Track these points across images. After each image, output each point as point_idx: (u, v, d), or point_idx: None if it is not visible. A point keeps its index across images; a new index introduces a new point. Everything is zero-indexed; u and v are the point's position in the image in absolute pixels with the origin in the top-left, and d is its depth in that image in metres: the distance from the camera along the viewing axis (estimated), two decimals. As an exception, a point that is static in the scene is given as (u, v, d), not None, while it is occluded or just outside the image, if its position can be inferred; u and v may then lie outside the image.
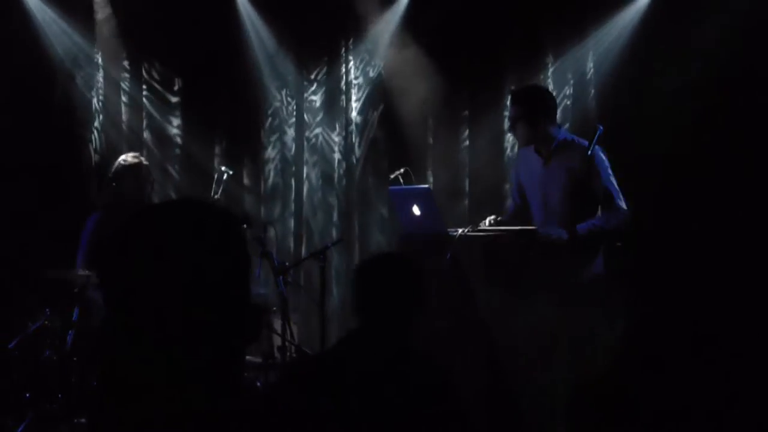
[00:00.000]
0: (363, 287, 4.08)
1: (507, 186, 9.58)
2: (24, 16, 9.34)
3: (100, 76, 9.72)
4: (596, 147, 6.66)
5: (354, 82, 10.18)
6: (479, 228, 6.87)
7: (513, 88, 8.72)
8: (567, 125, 9.30)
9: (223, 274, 1.89)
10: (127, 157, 7.78)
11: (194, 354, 1.85)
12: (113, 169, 7.70)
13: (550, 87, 9.33)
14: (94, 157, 9.60)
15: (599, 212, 6.76)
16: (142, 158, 7.94)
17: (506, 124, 9.66)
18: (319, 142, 10.20)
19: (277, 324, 7.77)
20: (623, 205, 6.73)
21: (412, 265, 4.16)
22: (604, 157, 6.81)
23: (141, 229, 1.91)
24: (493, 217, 7.05)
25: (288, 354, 7.71)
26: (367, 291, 4.06)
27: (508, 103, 7.22)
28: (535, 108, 6.88)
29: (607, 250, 6.89)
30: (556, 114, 7.04)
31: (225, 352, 1.90)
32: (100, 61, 9.70)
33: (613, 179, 6.78)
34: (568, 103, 9.54)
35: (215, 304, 1.87)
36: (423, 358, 3.97)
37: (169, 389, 1.86)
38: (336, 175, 10.17)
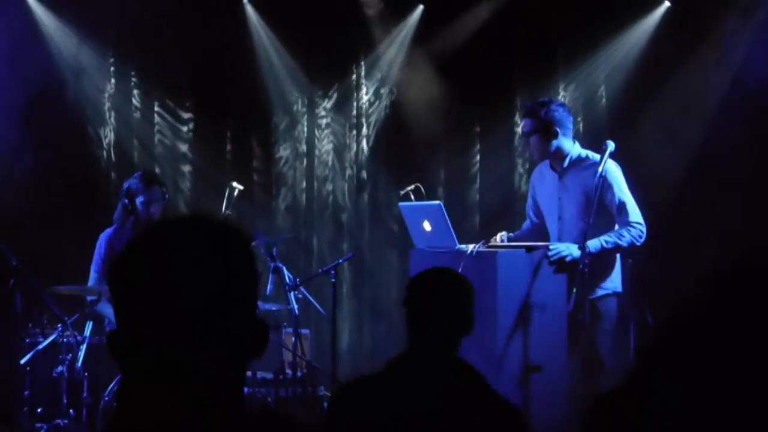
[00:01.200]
0: (416, 303, 4.03)
1: (518, 202, 9.58)
2: (35, 30, 9.38)
3: (111, 92, 9.73)
4: (609, 162, 6.65)
5: (365, 98, 10.21)
6: (491, 244, 6.86)
7: (528, 102, 8.70)
8: (578, 141, 9.32)
9: (233, 289, 1.90)
10: (139, 174, 7.80)
11: (201, 369, 1.86)
12: (127, 186, 7.72)
13: (561, 102, 9.33)
14: (106, 173, 9.61)
15: (617, 227, 6.73)
16: (156, 175, 7.95)
17: (518, 139, 9.69)
18: (330, 158, 10.22)
19: (289, 340, 7.77)
20: (638, 219, 6.69)
21: (466, 283, 4.13)
22: (618, 172, 6.77)
23: (152, 244, 1.92)
24: (504, 233, 7.04)
25: (299, 369, 7.71)
26: (420, 308, 4.01)
27: (522, 116, 7.20)
28: (548, 122, 6.85)
29: (624, 267, 6.88)
30: (570, 129, 7.00)
31: (231, 367, 1.91)
32: (111, 77, 9.72)
33: (627, 193, 6.73)
34: (579, 118, 9.55)
35: (224, 320, 1.88)
36: (470, 376, 3.91)
37: (175, 404, 1.87)
38: (347, 191, 10.18)
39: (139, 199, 7.60)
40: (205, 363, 1.87)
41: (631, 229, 6.65)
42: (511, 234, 7.07)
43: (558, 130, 6.85)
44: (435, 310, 3.98)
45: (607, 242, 6.62)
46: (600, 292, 6.72)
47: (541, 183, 7.13)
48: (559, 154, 6.90)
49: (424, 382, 3.81)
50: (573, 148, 6.93)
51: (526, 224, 7.32)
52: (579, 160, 6.90)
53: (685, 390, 2.19)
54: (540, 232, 7.14)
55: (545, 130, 6.85)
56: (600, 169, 6.53)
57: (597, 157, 6.76)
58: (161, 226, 1.96)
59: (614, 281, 6.82)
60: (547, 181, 7.06)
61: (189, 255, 1.88)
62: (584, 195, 6.77)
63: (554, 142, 6.86)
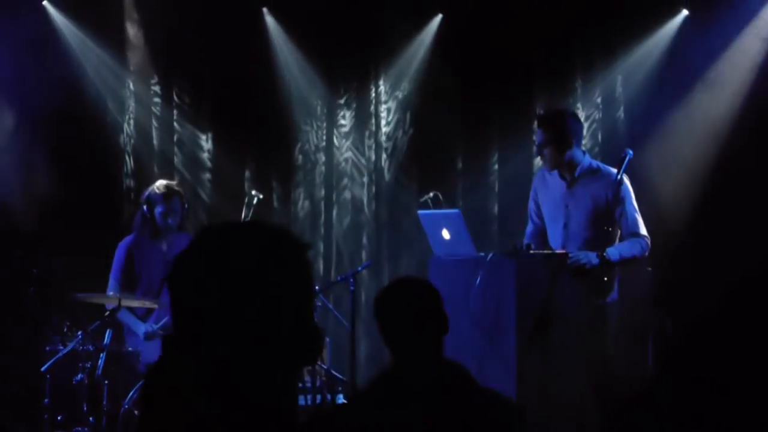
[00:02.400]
0: (386, 318, 4.03)
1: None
2: (55, 39, 9.43)
3: (131, 101, 9.77)
4: (623, 174, 6.68)
5: (384, 106, 10.22)
6: (509, 252, 6.86)
7: (540, 112, 8.72)
8: (596, 149, 9.32)
9: (291, 295, 1.91)
10: (161, 183, 7.83)
11: (249, 371, 1.88)
12: (147, 194, 7.74)
13: (579, 111, 9.31)
14: (126, 181, 9.65)
15: (624, 239, 6.78)
16: (176, 184, 7.98)
17: (535, 148, 9.70)
18: (348, 166, 10.23)
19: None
20: (645, 233, 6.79)
21: (431, 287, 4.13)
22: (629, 185, 6.84)
23: (212, 245, 1.94)
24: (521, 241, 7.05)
25: (318, 378, 7.72)
26: (392, 321, 4.02)
27: (536, 127, 7.21)
28: (563, 132, 6.87)
29: (643, 275, 6.94)
30: (581, 137, 7.04)
31: (285, 373, 1.92)
32: (131, 85, 9.76)
33: (636, 206, 6.82)
34: (597, 127, 9.54)
35: (281, 325, 1.89)
36: (463, 385, 3.92)
37: (225, 409, 1.88)
38: (365, 199, 10.19)
39: (158, 209, 7.62)
40: (254, 366, 1.88)
41: (641, 240, 6.74)
42: (528, 242, 7.09)
43: (571, 139, 6.88)
44: (407, 316, 3.99)
45: (625, 252, 6.67)
46: (608, 299, 6.76)
47: (544, 188, 7.17)
48: (571, 163, 6.94)
49: (417, 390, 3.81)
50: (584, 158, 6.97)
51: (529, 228, 7.34)
52: (590, 171, 6.94)
53: (705, 396, 2.19)
54: (543, 234, 7.19)
55: (560, 140, 6.87)
56: (619, 175, 6.57)
57: (610, 168, 6.82)
58: (222, 229, 1.99)
59: (615, 289, 6.88)
60: (551, 188, 7.09)
61: (247, 260, 1.91)
62: (593, 205, 6.84)
63: (568, 152, 6.89)
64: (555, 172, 7.03)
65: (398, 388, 3.83)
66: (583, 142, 7.46)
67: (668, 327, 7.66)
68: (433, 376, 3.86)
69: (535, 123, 7.28)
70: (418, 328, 3.96)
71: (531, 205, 7.35)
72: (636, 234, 6.75)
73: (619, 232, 6.83)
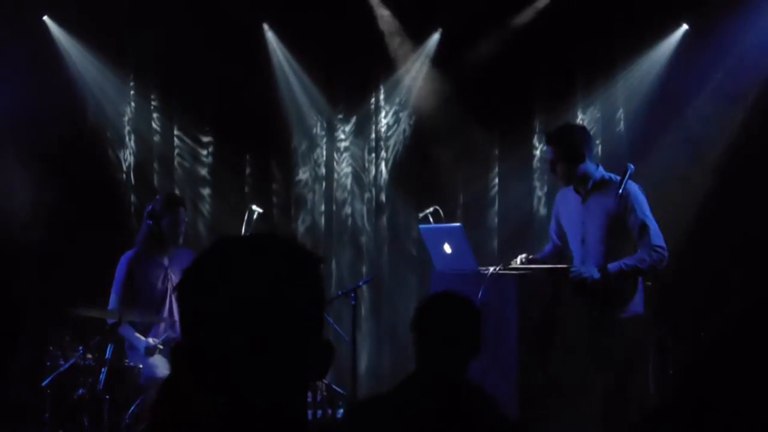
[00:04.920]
0: (422, 329, 4.04)
1: (537, 224, 9.59)
2: (55, 54, 9.45)
3: (131, 116, 9.78)
4: (631, 184, 6.66)
5: (384, 121, 10.23)
6: (511, 266, 6.86)
7: (551, 128, 8.70)
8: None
9: (303, 308, 1.91)
10: (162, 197, 7.84)
11: (258, 383, 1.87)
12: (151, 208, 7.75)
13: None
14: (127, 196, 9.65)
15: (638, 250, 6.72)
16: (179, 197, 7.97)
17: (536, 162, 9.70)
18: (349, 181, 10.24)
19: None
20: (660, 242, 6.66)
21: (473, 306, 4.13)
22: (640, 194, 6.76)
23: (223, 255, 1.94)
24: (524, 255, 7.04)
25: (319, 392, 7.71)
26: (429, 331, 4.02)
27: (545, 144, 7.19)
28: (573, 147, 6.84)
29: (645, 289, 6.87)
30: (592, 151, 7.00)
31: (294, 387, 1.92)
32: (131, 101, 9.77)
33: (649, 216, 6.72)
34: (599, 141, 9.55)
35: (294, 338, 1.89)
36: (478, 398, 3.93)
37: (234, 422, 1.87)
38: (366, 214, 10.20)
39: (164, 221, 7.63)
40: (266, 378, 1.88)
41: (652, 252, 6.62)
42: (531, 255, 7.08)
43: (582, 153, 6.85)
44: (444, 335, 4.00)
45: (627, 265, 6.62)
46: (622, 314, 6.71)
47: (566, 206, 7.13)
48: (584, 177, 6.89)
49: (432, 405, 3.83)
50: (596, 171, 6.92)
51: (548, 246, 7.32)
52: (602, 183, 6.89)
53: (725, 409, 2.19)
54: (562, 254, 7.15)
55: (571, 155, 6.84)
56: (620, 191, 6.54)
57: (619, 179, 6.77)
58: (234, 240, 1.98)
59: (637, 303, 6.81)
60: (571, 204, 7.06)
61: (259, 272, 1.90)
62: (606, 218, 6.77)
63: (581, 167, 6.86)
64: (572, 188, 7.01)
65: (417, 399, 3.85)
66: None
67: (668, 343, 7.66)
68: (454, 395, 3.88)
69: (545, 140, 7.25)
70: (451, 345, 3.98)
71: (552, 224, 7.34)
72: (648, 244, 6.66)
73: (635, 243, 6.76)
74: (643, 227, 6.65)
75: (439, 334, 3.99)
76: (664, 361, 7.58)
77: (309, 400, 7.61)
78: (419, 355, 4.01)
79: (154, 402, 1.93)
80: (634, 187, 6.73)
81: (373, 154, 10.22)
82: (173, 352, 1.96)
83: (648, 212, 6.73)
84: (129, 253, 7.77)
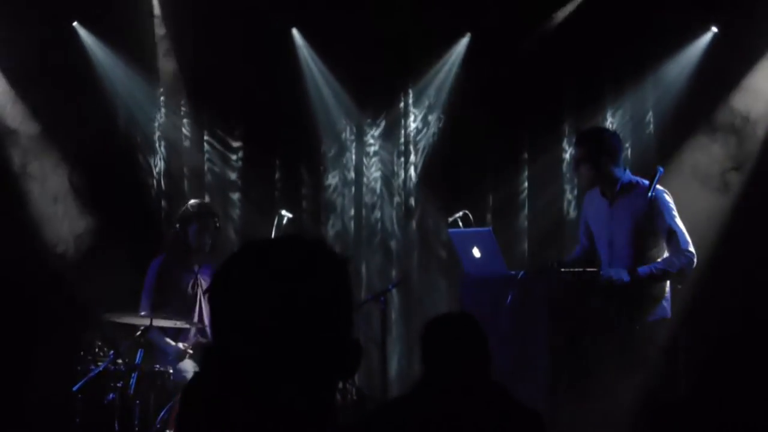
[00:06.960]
0: (431, 347, 4.07)
1: (567, 228, 9.55)
2: (85, 61, 9.48)
3: (161, 121, 9.81)
4: (658, 189, 6.64)
5: (413, 125, 10.22)
6: (540, 269, 6.86)
7: (578, 130, 8.68)
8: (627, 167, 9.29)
9: (331, 308, 1.92)
10: (193, 203, 7.87)
11: (293, 388, 1.88)
12: (179, 214, 7.78)
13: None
14: (158, 202, 9.68)
15: (665, 254, 6.71)
16: (208, 204, 7.99)
17: (566, 165, 9.67)
18: (378, 185, 10.24)
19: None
20: (689, 247, 6.66)
21: (479, 327, 4.15)
22: (668, 199, 6.77)
23: (252, 256, 1.95)
24: (555, 261, 7.03)
25: (349, 396, 7.71)
26: (435, 352, 4.05)
27: (573, 144, 7.19)
28: (599, 149, 6.84)
29: (673, 293, 6.85)
30: (620, 155, 6.99)
31: (324, 386, 1.92)
32: (161, 106, 9.81)
33: (678, 221, 6.72)
34: (627, 144, 9.51)
35: (322, 338, 1.90)
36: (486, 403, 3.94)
37: (264, 421, 1.88)
38: (395, 218, 10.19)
39: (192, 228, 7.67)
40: (296, 379, 1.89)
41: (681, 256, 6.63)
42: (562, 258, 7.08)
43: (607, 156, 6.84)
44: (453, 357, 4.03)
45: (657, 269, 6.61)
46: (650, 318, 6.69)
47: (592, 208, 7.13)
48: (611, 180, 6.89)
49: (442, 407, 3.86)
50: (624, 175, 6.91)
51: (577, 248, 7.32)
52: (629, 187, 6.89)
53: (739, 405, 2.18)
54: (592, 256, 7.14)
55: (595, 157, 6.84)
56: (650, 194, 6.53)
57: (647, 183, 6.75)
58: (263, 243, 2.00)
59: (665, 307, 6.79)
60: (596, 207, 7.05)
61: (286, 271, 1.91)
62: (634, 221, 6.76)
63: (603, 169, 6.85)
64: (598, 191, 7.00)
65: (428, 390, 3.89)
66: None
67: (695, 346, 7.62)
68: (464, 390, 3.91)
69: (566, 140, 7.25)
70: (457, 366, 4.01)
71: (581, 225, 7.34)
72: (677, 248, 6.65)
73: (664, 247, 6.76)
74: (672, 231, 6.65)
75: (447, 358, 4.02)
76: (690, 363, 7.55)
77: (339, 404, 7.61)
78: (427, 368, 4.05)
79: (180, 404, 1.94)
80: (663, 192, 6.72)
81: (402, 158, 10.21)
82: (205, 353, 1.97)
83: (677, 217, 6.73)
84: (159, 259, 7.81)
